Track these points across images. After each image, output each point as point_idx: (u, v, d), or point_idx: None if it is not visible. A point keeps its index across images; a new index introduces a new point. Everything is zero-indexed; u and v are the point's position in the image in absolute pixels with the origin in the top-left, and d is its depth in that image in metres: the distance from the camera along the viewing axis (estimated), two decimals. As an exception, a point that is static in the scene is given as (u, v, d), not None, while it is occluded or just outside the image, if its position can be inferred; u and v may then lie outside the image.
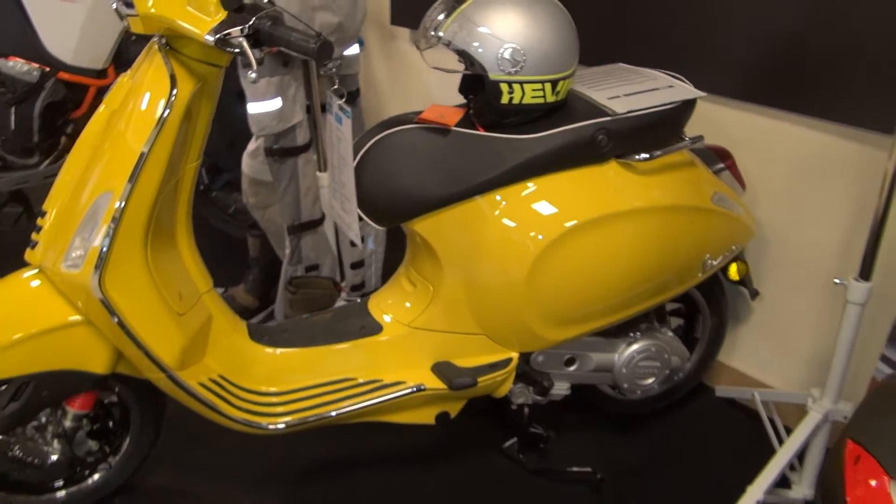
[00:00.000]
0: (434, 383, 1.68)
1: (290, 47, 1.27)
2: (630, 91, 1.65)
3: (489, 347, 1.71)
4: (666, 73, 1.75)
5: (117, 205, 1.39)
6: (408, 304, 1.74)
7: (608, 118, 1.58)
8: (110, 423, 1.75)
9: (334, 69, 1.38)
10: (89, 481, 1.76)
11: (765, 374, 2.14)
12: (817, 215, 1.90)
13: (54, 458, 1.63)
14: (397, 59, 3.08)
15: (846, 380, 1.69)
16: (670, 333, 1.91)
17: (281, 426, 1.62)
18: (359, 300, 1.93)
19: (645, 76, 1.74)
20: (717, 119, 1.99)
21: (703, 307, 1.99)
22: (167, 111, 1.36)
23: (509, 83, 1.52)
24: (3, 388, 1.54)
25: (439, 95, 1.72)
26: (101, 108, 1.49)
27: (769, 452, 1.69)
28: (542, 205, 1.59)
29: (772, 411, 1.98)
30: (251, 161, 2.15)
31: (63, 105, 2.58)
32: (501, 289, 1.62)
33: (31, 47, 2.46)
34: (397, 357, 1.71)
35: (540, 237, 1.58)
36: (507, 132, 1.58)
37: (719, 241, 1.78)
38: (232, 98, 2.11)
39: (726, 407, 2.16)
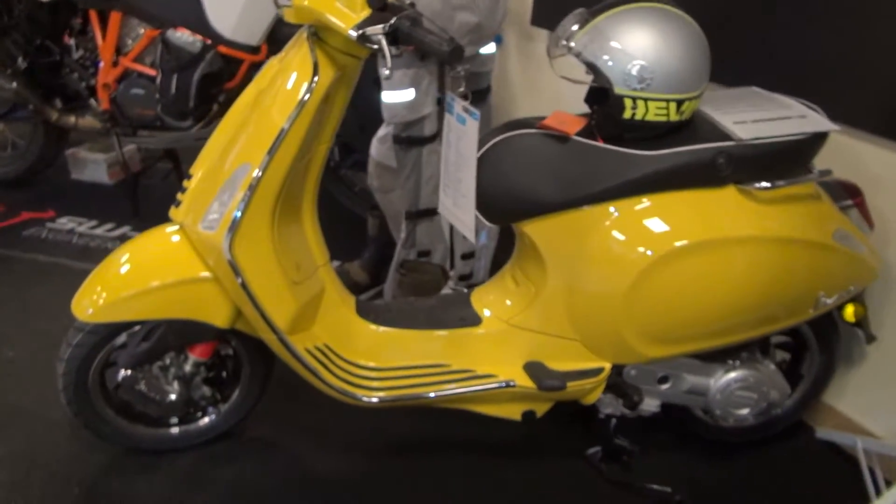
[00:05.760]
0: (524, 381, 1.72)
1: (424, 48, 1.35)
2: (759, 117, 1.62)
3: (582, 354, 1.73)
4: (802, 101, 1.70)
5: (255, 174, 1.52)
6: (508, 302, 1.80)
7: (731, 143, 1.57)
8: (224, 374, 1.90)
9: (462, 72, 1.44)
10: (199, 423, 1.93)
11: (873, 422, 2.04)
12: (951, 266, 1.80)
13: (172, 396, 1.80)
14: (533, 59, 3.12)
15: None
16: (773, 367, 1.86)
17: (374, 400, 1.72)
18: (464, 290, 2.00)
19: (778, 103, 1.70)
20: (854, 154, 1.91)
21: (813, 344, 1.93)
22: (308, 94, 1.47)
23: (634, 99, 1.54)
24: (137, 328, 1.72)
25: (569, 100, 1.75)
26: (251, 85, 1.63)
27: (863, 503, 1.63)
28: (654, 221, 1.60)
29: (873, 461, 1.89)
30: (379, 146, 2.25)
31: (219, 76, 2.78)
32: (601, 298, 1.65)
33: (197, 21, 2.65)
34: (492, 351, 1.77)
35: (647, 253, 1.59)
36: (627, 146, 1.59)
37: (836, 279, 1.72)
38: (369, 85, 2.19)
39: (825, 450, 2.07)
